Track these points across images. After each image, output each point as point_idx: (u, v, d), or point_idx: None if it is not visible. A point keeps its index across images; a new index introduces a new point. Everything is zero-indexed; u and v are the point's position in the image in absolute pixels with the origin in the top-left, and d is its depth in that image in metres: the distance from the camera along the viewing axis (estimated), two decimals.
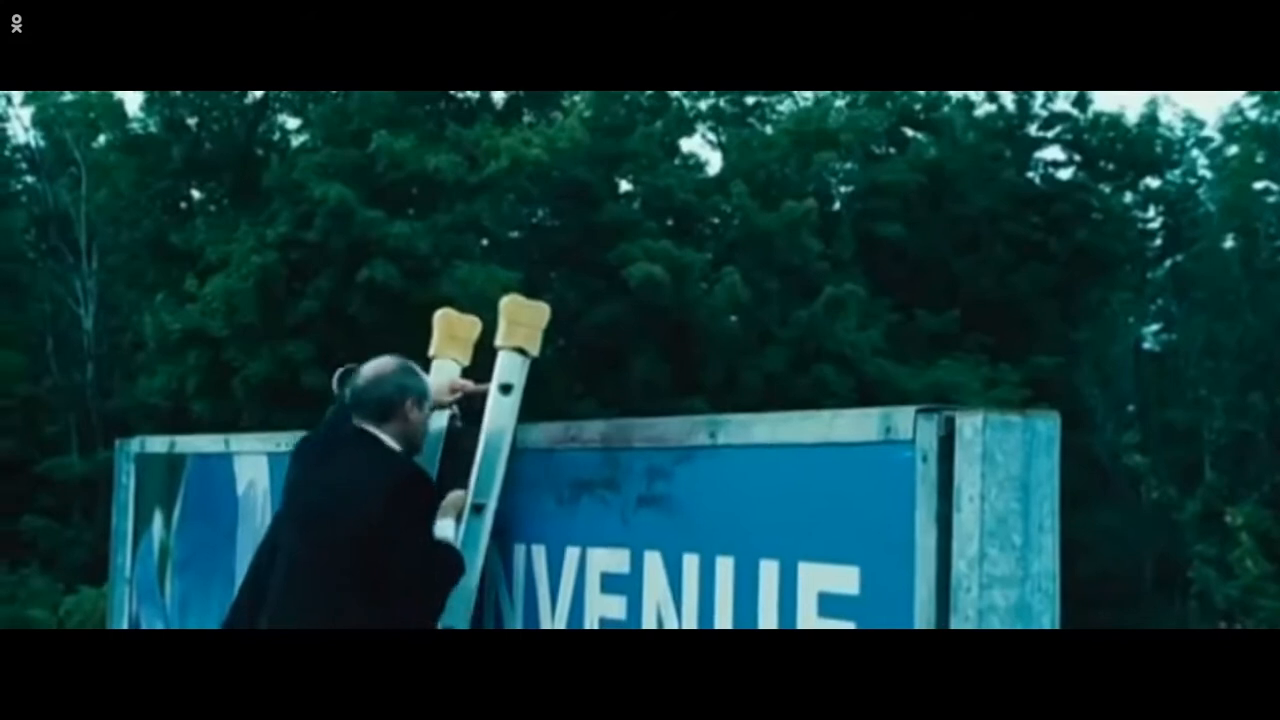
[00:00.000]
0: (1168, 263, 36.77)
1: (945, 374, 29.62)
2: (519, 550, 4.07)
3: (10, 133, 32.82)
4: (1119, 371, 31.48)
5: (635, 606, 3.65)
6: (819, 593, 3.18)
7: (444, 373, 4.50)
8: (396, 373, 4.21)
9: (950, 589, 2.88)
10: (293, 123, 29.63)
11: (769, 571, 3.30)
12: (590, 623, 3.79)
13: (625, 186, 29.59)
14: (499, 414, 4.14)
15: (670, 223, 29.02)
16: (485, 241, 27.46)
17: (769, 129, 31.47)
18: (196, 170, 28.30)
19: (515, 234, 29.16)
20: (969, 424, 2.89)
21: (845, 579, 3.12)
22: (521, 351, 4.26)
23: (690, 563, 3.51)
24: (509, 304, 4.34)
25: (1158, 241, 37.33)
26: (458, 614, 4.03)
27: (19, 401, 27.51)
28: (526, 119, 29.83)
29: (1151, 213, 37.71)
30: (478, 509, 4.05)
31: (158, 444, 5.94)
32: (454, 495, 4.15)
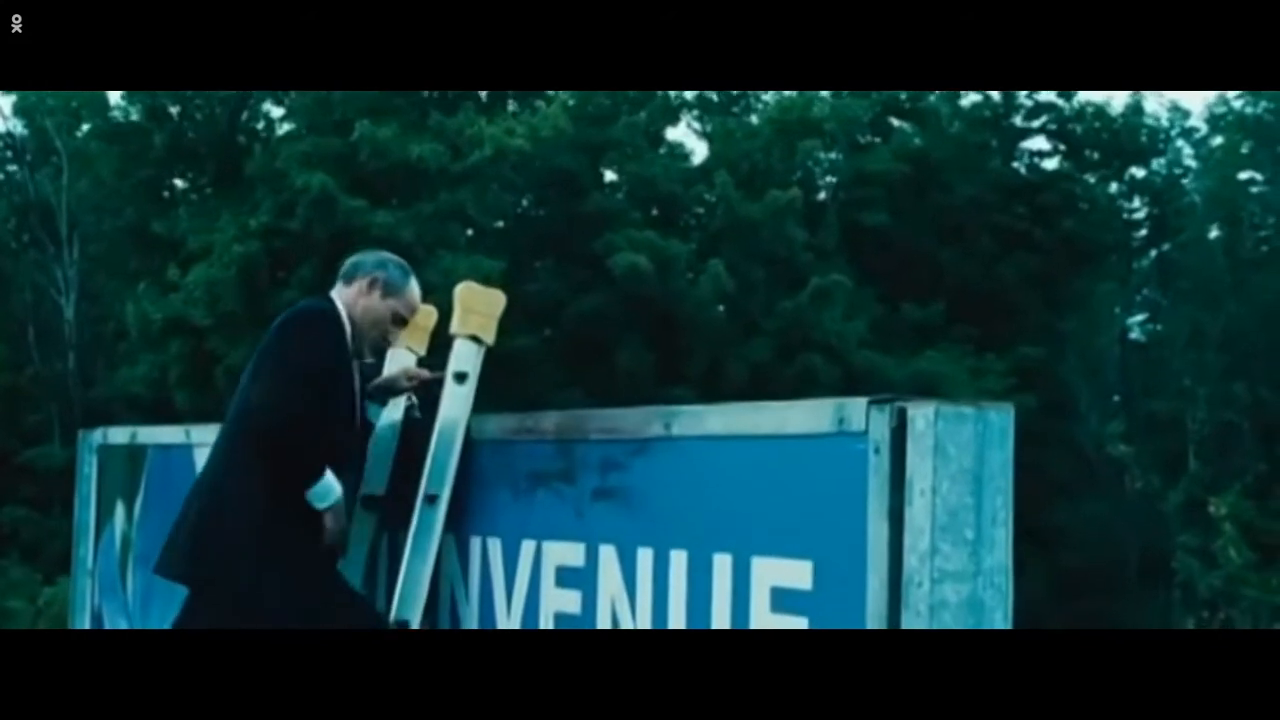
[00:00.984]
0: (1153, 253, 36.75)
1: (930, 364, 29.58)
2: (475, 543, 4.01)
3: None
4: (1104, 362, 31.49)
5: (590, 601, 3.59)
6: (772, 587, 3.12)
7: (400, 361, 4.45)
8: (390, 258, 4.31)
9: (902, 584, 2.83)
10: (276, 111, 29.49)
11: (722, 566, 3.24)
12: (545, 618, 3.73)
13: (610, 176, 29.49)
14: (453, 403, 4.08)
15: (655, 212, 28.93)
16: (469, 231, 27.36)
17: (754, 118, 31.34)
18: (179, 159, 28.13)
19: (499, 223, 29.05)
20: (921, 415, 2.83)
21: (798, 574, 3.06)
22: (476, 339, 4.20)
23: (644, 557, 3.45)
24: (464, 291, 4.28)
25: (1143, 231, 37.29)
26: (412, 605, 3.96)
27: (0, 391, 27.38)
28: (510, 108, 29.72)
29: (1137, 203, 37.63)
30: (431, 500, 3.99)
31: (119, 435, 5.86)
32: (407, 368, 4.28)
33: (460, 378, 4.12)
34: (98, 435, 6.03)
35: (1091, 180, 36.26)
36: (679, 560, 3.35)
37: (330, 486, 3.94)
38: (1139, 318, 36.87)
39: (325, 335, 4.07)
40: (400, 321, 4.24)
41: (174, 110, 27.62)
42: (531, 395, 25.85)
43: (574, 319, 27.75)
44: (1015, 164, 36.00)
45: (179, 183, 29.24)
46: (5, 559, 23.88)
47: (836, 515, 2.96)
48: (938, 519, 2.78)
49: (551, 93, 28.06)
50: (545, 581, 3.74)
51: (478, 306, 4.24)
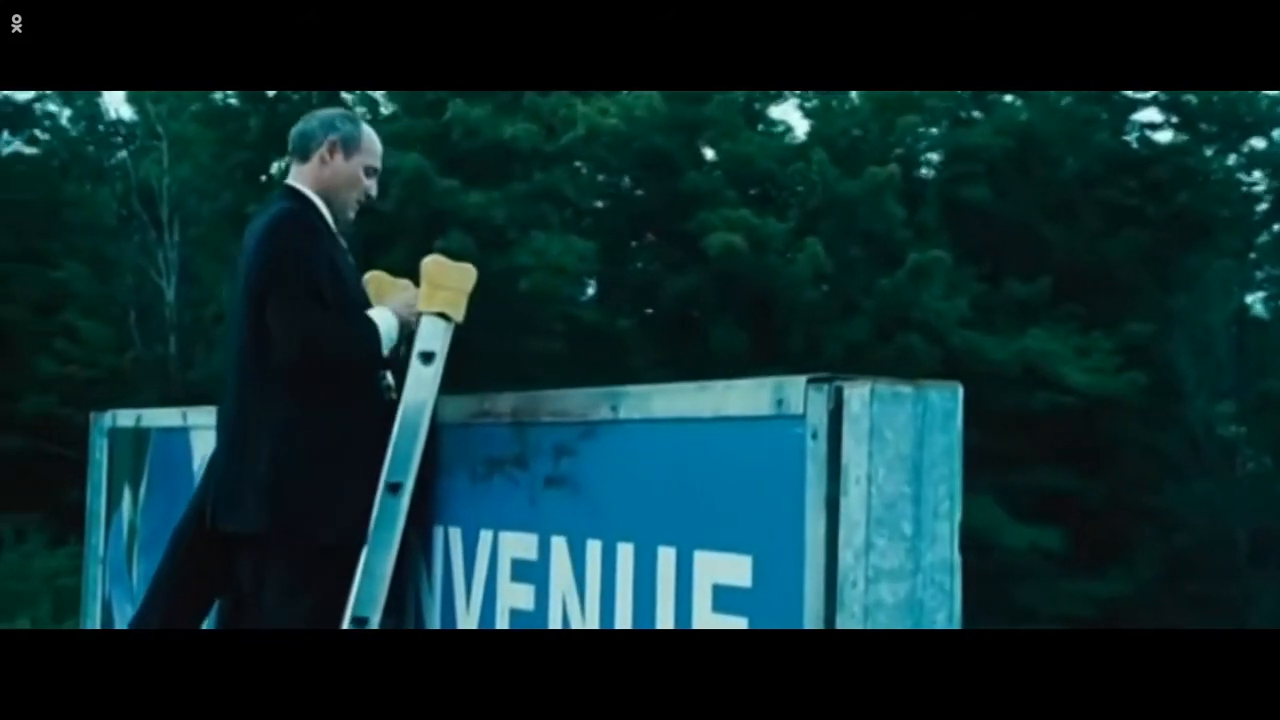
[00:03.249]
0: (1276, 227, 35.60)
1: (1035, 343, 28.94)
2: (438, 533, 3.79)
3: (104, 107, 33.16)
4: (1214, 340, 30.54)
5: (543, 598, 3.35)
6: (713, 585, 2.85)
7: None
8: (332, 113, 4.09)
9: (837, 583, 2.55)
10: (372, 92, 29.52)
11: (666, 560, 2.98)
12: (500, 615, 3.50)
13: (705, 155, 29.15)
14: (419, 385, 3.84)
15: (751, 191, 28.56)
16: (563, 211, 27.18)
17: (853, 94, 30.82)
18: (275, 141, 28.23)
19: (593, 203, 28.87)
20: (856, 396, 2.55)
21: (738, 570, 2.79)
22: (444, 317, 3.97)
23: (593, 549, 3.20)
24: (430, 265, 4.04)
25: (1263, 205, 36.10)
26: (371, 602, 3.75)
27: (105, 373, 27.73)
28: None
29: (1257, 175, 36.45)
30: (394, 489, 3.76)
31: (127, 418, 5.73)
32: (404, 295, 4.05)
33: (426, 358, 3.88)
34: (108, 418, 5.89)
35: (1208, 153, 35.20)
36: (625, 554, 3.10)
37: (389, 337, 3.90)
38: (1260, 295, 35.76)
39: (308, 234, 3.90)
40: (373, 172, 4.10)
41: (270, 93, 27.74)
42: (629, 378, 25.71)
43: (669, 299, 27.51)
44: (1126, 137, 35.05)
45: (276, 165, 29.41)
46: None
47: (775, 506, 2.68)
48: (873, 511, 2.50)
49: None
50: (501, 575, 3.51)
51: (446, 281, 4.01)
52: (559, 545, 3.30)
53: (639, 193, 29.07)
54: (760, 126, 30.45)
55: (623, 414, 3.13)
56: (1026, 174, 31.27)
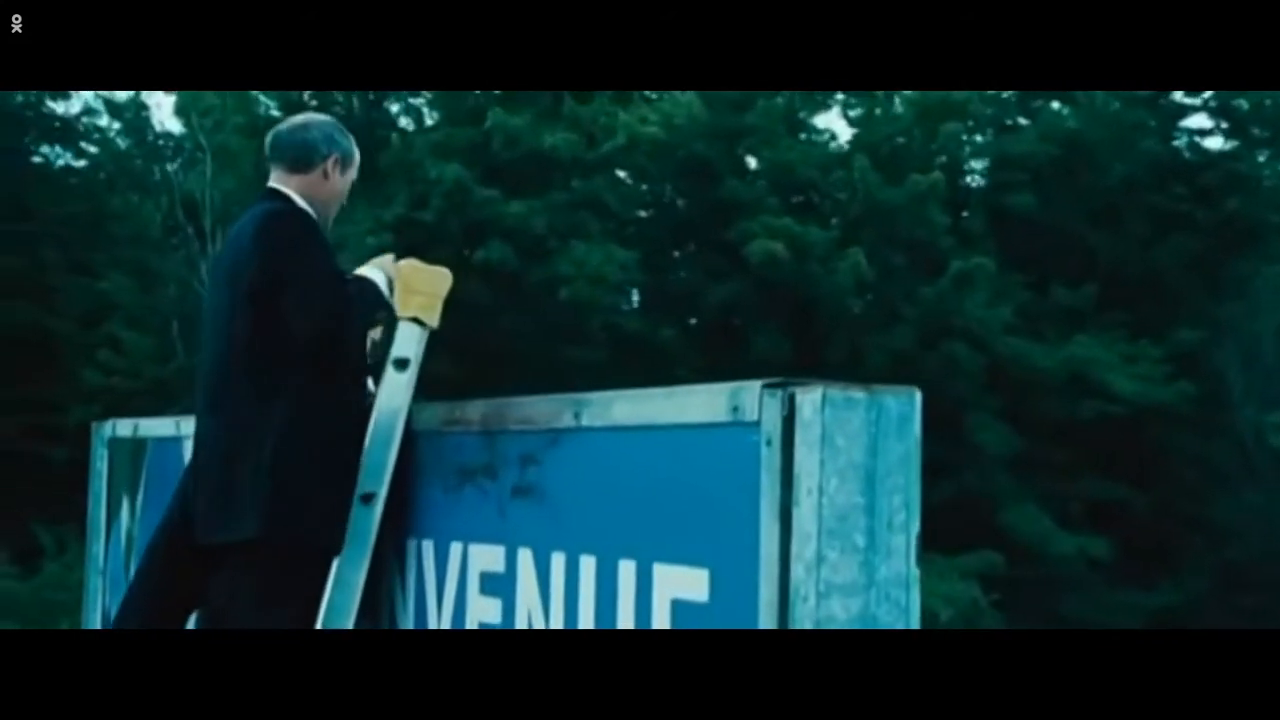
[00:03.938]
0: None
1: (1081, 350, 28.61)
2: (411, 544, 3.70)
3: (154, 120, 33.38)
4: (1265, 347, 30.09)
5: (509, 612, 3.25)
6: (672, 600, 2.75)
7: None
8: (328, 123, 4.05)
9: (789, 598, 2.44)
10: (413, 100, 29.54)
11: (627, 574, 2.87)
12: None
13: (746, 163, 29.00)
14: (393, 392, 3.76)
15: (793, 199, 28.39)
16: (603, 220, 27.10)
17: (896, 102, 30.57)
18: None
19: (634, 212, 28.78)
20: (808, 401, 2.43)
21: (695, 584, 2.69)
22: (419, 322, 3.88)
23: (558, 562, 3.10)
24: (405, 269, 3.95)
25: None
26: (342, 616, 3.65)
27: (149, 383, 27.84)
28: (649, 94, 29.41)
29: None
30: (366, 499, 3.67)
31: (125, 428, 5.67)
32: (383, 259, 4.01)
33: (401, 364, 3.80)
34: (108, 428, 5.84)
35: (1260, 158, 34.72)
36: (588, 567, 3.00)
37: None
38: None
39: (311, 228, 3.91)
40: (351, 183, 4.10)
41: (312, 103, 27.79)
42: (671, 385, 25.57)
43: (711, 308, 27.38)
44: (1174, 143, 34.63)
45: None
46: None
47: (731, 517, 2.58)
48: (825, 522, 2.39)
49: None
50: (471, 589, 3.41)
51: (421, 286, 3.92)
52: (525, 558, 3.21)
53: (680, 201, 28.96)
54: (802, 135, 30.26)
55: (585, 421, 3.02)
56: (1072, 181, 30.95)
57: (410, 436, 3.73)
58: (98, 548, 5.84)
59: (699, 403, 2.70)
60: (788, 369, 26.31)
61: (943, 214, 28.02)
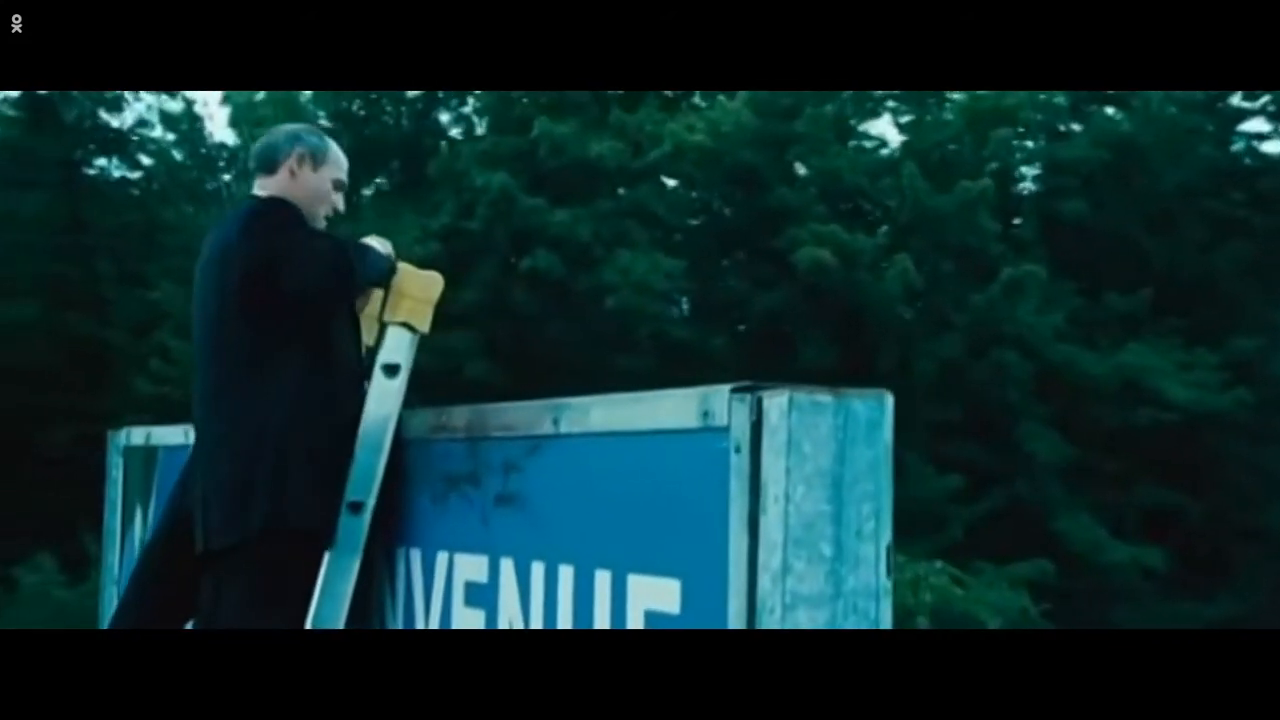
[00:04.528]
0: None
1: (1134, 357, 28.26)
2: (400, 553, 3.63)
3: (207, 131, 33.62)
4: None
5: (492, 624, 3.17)
6: (645, 611, 2.66)
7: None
8: (297, 128, 4.01)
9: (755, 610, 2.35)
10: (463, 110, 29.62)
11: (603, 585, 2.79)
12: None
13: (794, 170, 28.86)
14: (382, 399, 3.68)
15: (841, 206, 28.23)
16: (650, 229, 27.05)
17: (946, 108, 30.36)
18: (362, 162, 28.42)
19: (681, 220, 28.70)
20: (775, 406, 2.34)
21: (668, 595, 2.60)
22: (409, 327, 3.81)
23: (537, 572, 3.02)
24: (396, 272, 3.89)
25: None
26: (331, 621, 3.58)
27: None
28: (697, 100, 29.35)
29: None
30: (355, 507, 3.60)
31: (139, 436, 5.64)
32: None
33: (390, 370, 3.73)
34: (123, 436, 5.81)
35: None
36: (566, 577, 2.92)
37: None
38: None
39: (298, 214, 3.89)
40: (340, 186, 4.01)
41: (361, 113, 27.97)
42: None
43: (758, 316, 27.25)
44: (1232, 148, 34.17)
45: (364, 185, 29.61)
46: None
47: (702, 526, 2.49)
48: (791, 531, 2.30)
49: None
50: (456, 599, 3.34)
51: (411, 290, 3.85)
52: (507, 568, 3.13)
53: (727, 209, 28.86)
54: (851, 142, 30.11)
55: (564, 428, 2.95)
56: (1126, 186, 30.60)
57: (400, 444, 3.66)
58: (113, 557, 5.81)
59: (670, 408, 2.62)
60: (835, 377, 26.12)
61: (993, 220, 27.78)
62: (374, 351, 3.99)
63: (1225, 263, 31.21)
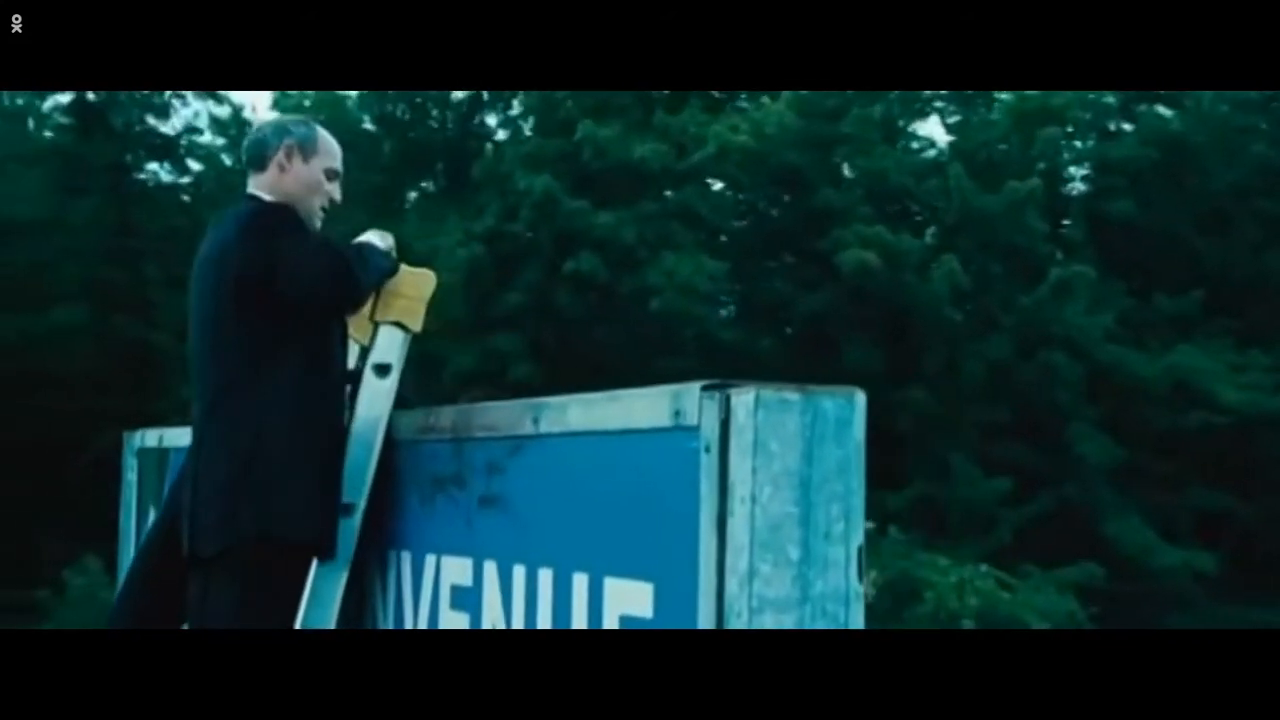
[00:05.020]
0: None
1: (1185, 359, 27.92)
2: (391, 556, 3.57)
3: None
4: None
5: (476, 627, 3.11)
6: (620, 616, 2.59)
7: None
8: (285, 119, 3.95)
9: (723, 614, 2.27)
10: (504, 113, 29.66)
11: (580, 588, 2.72)
12: None
13: (839, 171, 28.71)
14: (374, 399, 3.62)
15: (886, 207, 28.04)
16: (694, 230, 26.96)
17: (995, 108, 30.09)
18: (408, 165, 28.53)
19: (725, 222, 28.60)
20: (742, 404, 2.26)
21: (641, 599, 2.52)
22: (401, 326, 3.74)
23: (519, 575, 2.95)
24: None
25: None
26: (320, 624, 3.52)
27: None
28: (741, 103, 29.24)
29: None
30: (346, 509, 3.54)
31: (152, 438, 5.60)
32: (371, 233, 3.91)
33: (382, 370, 3.66)
34: (137, 438, 5.78)
35: None
36: (546, 580, 2.85)
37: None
38: None
39: (295, 217, 3.80)
40: (334, 175, 3.93)
41: (405, 117, 28.02)
42: None
43: (803, 318, 27.10)
44: None
45: (409, 188, 29.68)
46: None
47: (674, 527, 2.41)
48: (757, 534, 2.22)
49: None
50: (443, 603, 3.27)
51: (403, 289, 3.78)
52: (490, 570, 3.07)
53: (773, 211, 28.73)
54: (898, 142, 29.91)
55: (543, 428, 2.88)
56: (1177, 186, 30.25)
57: (390, 444, 3.60)
58: (127, 559, 5.78)
59: (644, 406, 2.54)
60: (881, 380, 26.01)
61: (1041, 221, 27.53)
62: (365, 351, 3.93)
63: (1279, 263, 30.80)
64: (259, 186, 3.82)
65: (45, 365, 26.43)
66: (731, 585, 2.24)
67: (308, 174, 3.82)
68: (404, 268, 3.86)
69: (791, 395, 2.23)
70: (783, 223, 28.13)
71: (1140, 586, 25.46)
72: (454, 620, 3.20)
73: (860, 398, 2.28)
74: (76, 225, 28.51)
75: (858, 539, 2.25)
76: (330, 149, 3.89)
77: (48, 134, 32.35)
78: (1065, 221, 29.70)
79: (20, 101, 32.22)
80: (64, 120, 31.29)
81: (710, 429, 2.33)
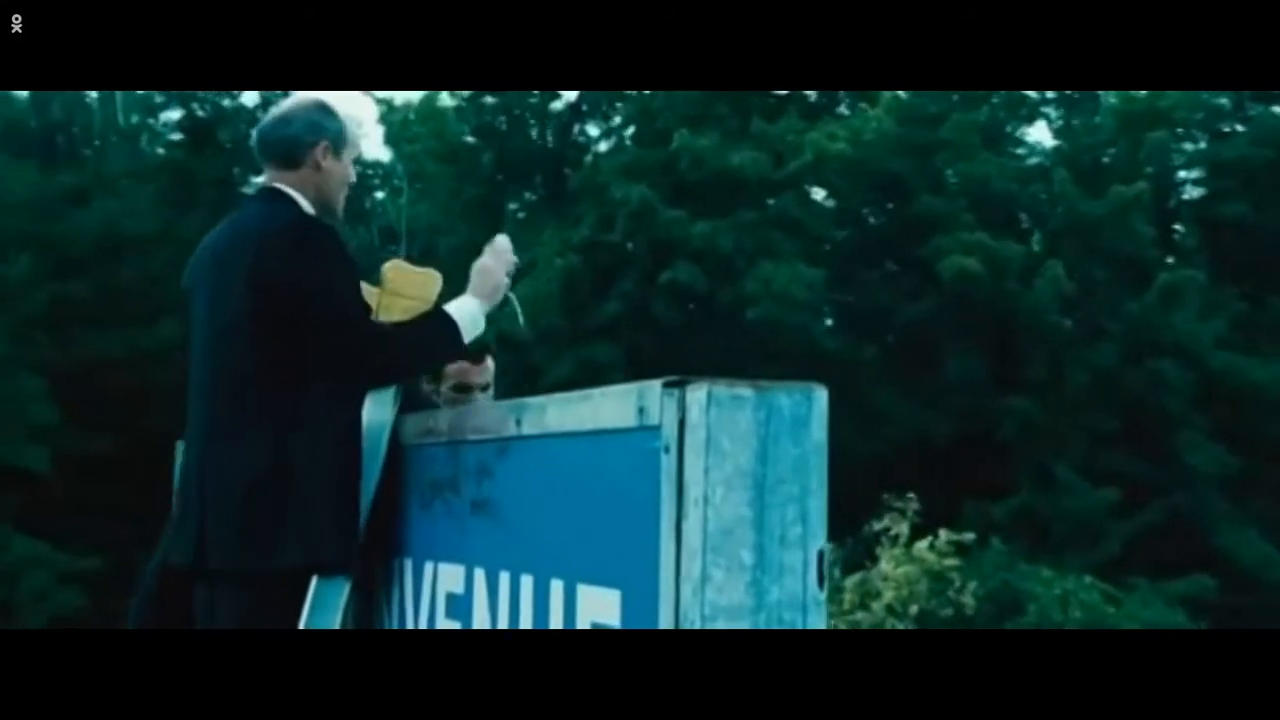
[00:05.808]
0: None
1: None
2: (395, 563, 3.48)
3: (363, 152, 34.29)
4: None
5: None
6: (591, 624, 2.47)
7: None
8: (309, 109, 3.71)
9: (679, 620, 2.14)
10: (603, 124, 29.70)
11: (557, 596, 2.60)
12: None
13: (940, 177, 28.34)
14: (378, 405, 3.51)
15: (989, 214, 27.61)
16: (793, 239, 26.75)
17: (1101, 111, 29.55)
18: (508, 176, 28.62)
19: (825, 230, 28.34)
20: (695, 402, 2.13)
21: (609, 606, 2.40)
22: None
23: (504, 582, 2.84)
24: (390, 270, 3.69)
25: None
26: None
27: None
28: (841, 109, 29.02)
29: None
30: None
31: None
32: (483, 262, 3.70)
33: None
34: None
35: None
36: (528, 588, 2.73)
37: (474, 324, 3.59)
38: None
39: (340, 248, 3.58)
40: (357, 160, 3.83)
41: (503, 127, 28.14)
42: (869, 409, 25.09)
43: (903, 326, 26.78)
44: None
45: (510, 199, 29.80)
46: None
47: (638, 532, 2.29)
48: (710, 538, 2.09)
49: (876, 94, 27.19)
50: (439, 611, 3.17)
51: (407, 289, 3.66)
52: (479, 578, 2.96)
53: (872, 219, 28.44)
54: (998, 148, 29.46)
55: (525, 429, 2.76)
56: None
57: (394, 449, 3.51)
58: None
59: (611, 406, 2.42)
60: (984, 389, 25.62)
61: (1148, 225, 26.94)
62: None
63: None
64: (291, 184, 3.64)
65: (154, 378, 26.83)
66: (685, 592, 2.12)
67: (341, 170, 3.70)
68: (406, 266, 3.75)
69: (745, 391, 2.10)
70: (883, 230, 27.84)
71: (1256, 600, 24.78)
72: (449, 628, 3.10)
73: (820, 394, 2.14)
74: (185, 239, 28.98)
75: (817, 543, 2.11)
76: (355, 138, 3.77)
77: (160, 150, 32.96)
78: (1176, 226, 29.05)
79: (135, 119, 32.86)
80: (176, 138, 31.85)
81: (670, 428, 2.20)
